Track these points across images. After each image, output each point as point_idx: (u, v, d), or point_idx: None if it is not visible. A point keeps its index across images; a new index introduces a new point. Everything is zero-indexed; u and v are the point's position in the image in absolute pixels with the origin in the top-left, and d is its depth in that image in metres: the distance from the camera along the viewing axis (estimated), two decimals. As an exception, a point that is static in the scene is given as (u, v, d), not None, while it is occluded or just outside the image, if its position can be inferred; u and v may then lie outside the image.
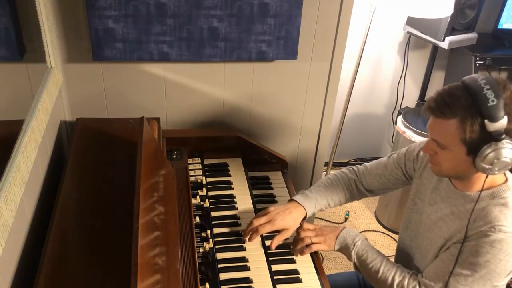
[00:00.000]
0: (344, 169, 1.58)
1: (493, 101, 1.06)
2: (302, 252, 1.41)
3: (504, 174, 1.23)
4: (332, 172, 1.63)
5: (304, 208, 1.46)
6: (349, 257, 1.40)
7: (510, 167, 1.11)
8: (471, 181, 1.22)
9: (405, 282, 1.28)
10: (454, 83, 1.16)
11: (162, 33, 1.61)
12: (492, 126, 1.07)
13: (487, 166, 1.10)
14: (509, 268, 1.17)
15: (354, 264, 1.40)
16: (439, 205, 1.31)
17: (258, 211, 1.53)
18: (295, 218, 1.44)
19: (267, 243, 1.45)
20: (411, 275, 1.30)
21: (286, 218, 1.42)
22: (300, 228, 1.45)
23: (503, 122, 1.06)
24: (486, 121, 1.07)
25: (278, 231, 1.43)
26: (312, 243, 1.41)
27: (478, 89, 1.08)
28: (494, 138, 1.08)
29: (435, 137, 1.18)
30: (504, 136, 1.07)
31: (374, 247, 1.39)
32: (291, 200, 1.50)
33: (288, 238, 1.47)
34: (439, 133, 1.16)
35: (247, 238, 1.43)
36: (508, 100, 1.07)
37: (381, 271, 1.32)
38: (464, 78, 1.14)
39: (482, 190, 1.17)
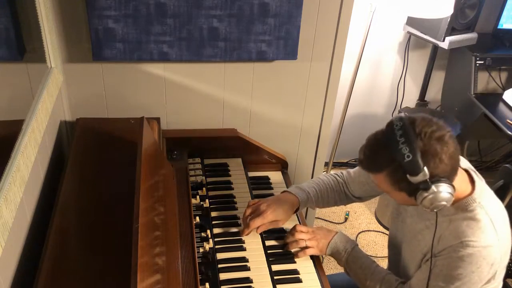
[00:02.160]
0: (332, 173, 1.59)
1: (408, 156, 1.06)
2: (296, 256, 1.42)
3: (472, 182, 1.22)
4: (332, 172, 1.62)
5: (297, 198, 1.47)
6: (340, 263, 1.43)
7: (449, 204, 1.12)
8: None
9: None
10: (379, 130, 1.16)
11: (162, 33, 1.61)
12: (415, 180, 1.08)
13: (427, 209, 1.12)
14: (484, 277, 1.17)
15: (345, 269, 1.42)
16: (415, 219, 1.33)
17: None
18: (286, 209, 1.46)
19: (267, 243, 1.45)
20: (398, 284, 1.32)
21: (277, 210, 1.44)
22: (293, 229, 1.46)
23: (424, 174, 1.07)
24: (407, 175, 1.08)
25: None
26: (307, 247, 1.42)
27: (394, 143, 1.08)
28: (422, 188, 1.09)
29: (377, 184, 1.21)
30: (431, 182, 1.08)
31: (364, 253, 1.41)
32: (284, 192, 1.51)
33: (284, 234, 1.48)
34: (378, 183, 1.20)
35: (244, 234, 1.46)
36: (427, 147, 1.07)
37: (368, 280, 1.35)
38: (387, 122, 1.14)
39: (436, 221, 1.19)
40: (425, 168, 1.07)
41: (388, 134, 1.11)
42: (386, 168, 1.12)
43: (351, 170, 1.55)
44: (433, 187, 1.08)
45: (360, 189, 1.51)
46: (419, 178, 1.08)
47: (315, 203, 1.52)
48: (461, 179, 1.19)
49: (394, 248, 1.46)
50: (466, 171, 1.25)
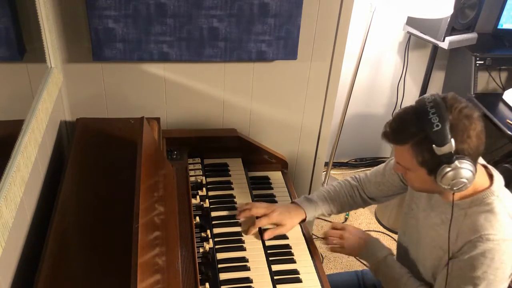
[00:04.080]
0: (348, 177, 1.60)
1: (437, 125, 1.07)
2: (330, 249, 1.45)
3: (490, 177, 1.23)
4: (332, 172, 1.63)
5: (304, 211, 1.48)
6: (372, 266, 1.41)
7: (469, 185, 1.12)
8: (449, 193, 1.21)
9: None
10: (409, 106, 1.17)
11: (162, 33, 1.61)
12: (440, 151, 1.08)
13: (446, 187, 1.12)
14: (507, 273, 1.16)
15: (374, 271, 1.41)
16: (429, 213, 1.32)
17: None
18: (292, 216, 1.48)
19: (267, 243, 1.45)
20: None
21: (283, 214, 1.47)
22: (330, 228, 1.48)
23: (450, 146, 1.07)
24: (433, 146, 1.08)
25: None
26: (336, 246, 1.44)
27: (423, 114, 1.09)
28: (445, 161, 1.09)
29: (397, 160, 1.21)
30: (455, 157, 1.08)
31: (397, 263, 1.39)
32: (292, 203, 1.52)
33: (286, 235, 1.48)
34: (399, 157, 1.20)
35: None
36: (456, 121, 1.08)
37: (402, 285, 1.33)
38: (417, 100, 1.15)
39: (453, 205, 1.18)
40: (452, 140, 1.07)
41: (419, 106, 1.12)
42: (413, 138, 1.11)
43: (368, 172, 1.57)
44: (456, 162, 1.08)
45: (376, 189, 1.52)
46: (445, 149, 1.07)
47: (326, 212, 1.53)
48: (479, 173, 1.18)
49: (404, 248, 1.46)
50: (485, 166, 1.25)
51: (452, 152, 1.08)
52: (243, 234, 1.47)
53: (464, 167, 1.09)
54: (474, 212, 1.18)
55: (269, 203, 1.54)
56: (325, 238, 1.47)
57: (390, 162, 1.50)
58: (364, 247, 1.42)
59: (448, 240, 1.19)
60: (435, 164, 1.11)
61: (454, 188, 1.12)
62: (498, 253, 1.12)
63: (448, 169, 1.09)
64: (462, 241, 1.18)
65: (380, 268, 1.38)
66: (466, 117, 1.09)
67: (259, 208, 1.49)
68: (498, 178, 1.23)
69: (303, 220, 1.51)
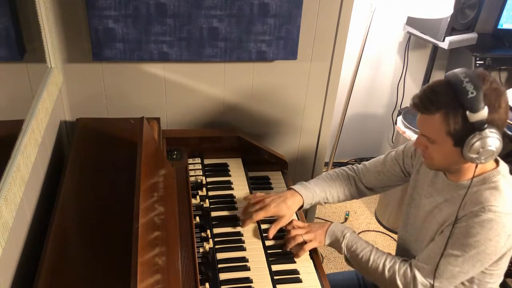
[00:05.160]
0: (344, 167, 1.60)
1: (472, 93, 1.10)
2: (297, 254, 1.42)
3: (496, 160, 1.26)
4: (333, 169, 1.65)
5: (301, 196, 1.48)
6: (340, 250, 1.42)
7: (496, 155, 1.15)
8: (463, 172, 1.25)
9: (396, 266, 1.30)
10: (438, 79, 1.19)
11: (162, 33, 1.61)
12: (474, 117, 1.10)
13: (474, 156, 1.14)
14: (499, 250, 1.18)
15: (345, 256, 1.42)
16: (434, 197, 1.33)
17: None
18: (289, 206, 1.46)
19: (267, 243, 1.45)
20: (402, 260, 1.32)
21: (280, 205, 1.45)
22: (289, 225, 1.47)
23: (484, 113, 1.10)
24: (467, 112, 1.10)
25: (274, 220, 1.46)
26: (305, 242, 1.42)
27: (458, 82, 1.12)
28: (477, 128, 1.11)
29: (423, 132, 1.22)
30: (486, 125, 1.11)
31: (362, 238, 1.41)
32: (289, 189, 1.52)
33: (284, 234, 1.48)
34: (426, 128, 1.20)
35: (245, 225, 1.47)
36: (488, 91, 1.11)
37: (371, 260, 1.34)
38: (447, 73, 1.18)
39: (473, 176, 1.20)
40: (486, 108, 1.10)
41: (452, 77, 1.14)
42: (447, 106, 1.13)
43: (366, 162, 1.58)
44: (487, 131, 1.11)
45: (375, 179, 1.53)
46: (478, 116, 1.10)
47: (322, 199, 1.53)
48: None
49: (404, 241, 1.46)
50: None
51: (484, 120, 1.10)
52: (242, 232, 1.47)
53: (494, 136, 1.11)
54: (480, 189, 1.20)
55: (263, 196, 1.51)
56: (288, 242, 1.44)
57: (391, 153, 1.52)
58: (331, 225, 1.43)
59: (458, 210, 1.20)
60: (465, 132, 1.13)
61: (482, 158, 1.14)
62: (497, 225, 1.15)
63: (479, 136, 1.11)
64: (464, 212, 1.20)
65: (348, 244, 1.39)
66: (496, 89, 1.12)
67: (255, 207, 1.47)
68: (503, 162, 1.27)
69: (301, 207, 1.51)
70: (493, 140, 1.11)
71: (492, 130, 1.11)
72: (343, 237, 1.40)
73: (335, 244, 1.42)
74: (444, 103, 1.13)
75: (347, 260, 1.42)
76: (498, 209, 1.15)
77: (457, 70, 1.15)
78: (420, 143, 1.25)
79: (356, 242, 1.39)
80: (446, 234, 1.22)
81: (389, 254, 1.36)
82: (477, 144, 1.11)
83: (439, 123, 1.15)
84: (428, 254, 1.27)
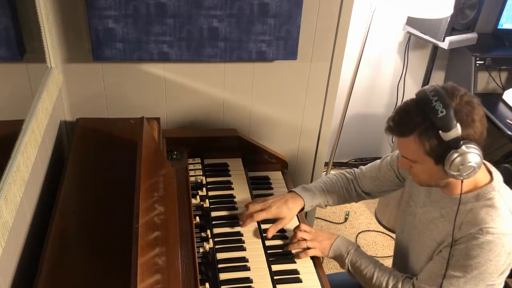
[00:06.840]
0: (343, 171, 1.61)
1: (442, 111, 1.09)
2: (297, 256, 1.43)
3: (490, 173, 1.24)
4: (332, 172, 1.64)
5: (302, 199, 1.48)
6: (343, 265, 1.42)
7: (477, 170, 1.13)
8: (454, 185, 1.23)
9: (399, 285, 1.30)
10: (410, 99, 1.18)
11: (162, 33, 1.61)
12: (447, 136, 1.09)
13: (455, 173, 1.13)
14: (500, 268, 1.17)
15: (348, 270, 1.42)
16: (428, 208, 1.33)
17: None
18: (290, 208, 1.47)
19: (267, 243, 1.45)
20: (404, 278, 1.32)
21: (281, 207, 1.46)
22: (297, 228, 1.46)
23: (457, 130, 1.09)
24: (440, 132, 1.09)
25: (275, 221, 1.46)
26: (308, 248, 1.42)
27: (427, 102, 1.11)
28: (453, 146, 1.10)
29: (403, 154, 1.22)
30: (462, 142, 1.10)
31: (367, 254, 1.41)
32: (290, 192, 1.53)
33: (286, 235, 1.48)
34: (405, 150, 1.20)
35: (242, 223, 1.48)
36: (459, 106, 1.10)
37: (375, 277, 1.34)
38: (417, 91, 1.17)
39: (461, 193, 1.19)
40: (458, 125, 1.09)
41: (420, 96, 1.13)
42: (419, 127, 1.12)
43: (363, 167, 1.58)
44: (464, 147, 1.09)
45: (371, 184, 1.53)
46: (451, 134, 1.09)
47: (323, 202, 1.54)
48: (481, 168, 1.19)
49: (402, 246, 1.46)
50: (483, 162, 1.26)
51: (459, 137, 1.09)
52: (242, 232, 1.47)
53: (472, 151, 1.10)
54: (475, 206, 1.19)
55: (265, 199, 1.51)
56: (291, 244, 1.44)
57: (387, 158, 1.51)
58: (338, 238, 1.43)
59: (453, 230, 1.19)
60: (442, 151, 1.12)
61: (464, 174, 1.13)
62: (496, 246, 1.14)
63: (456, 154, 1.10)
64: (461, 233, 1.19)
65: (352, 260, 1.39)
66: (468, 103, 1.11)
67: (256, 207, 1.48)
68: (497, 173, 1.25)
69: (301, 210, 1.51)
70: (472, 155, 1.10)
71: (470, 145, 1.10)
72: (348, 253, 1.40)
73: (339, 259, 1.43)
74: (416, 125, 1.13)
75: (351, 273, 1.42)
76: (496, 230, 1.14)
77: (426, 88, 1.14)
78: (403, 164, 1.25)
79: (360, 258, 1.39)
80: (445, 255, 1.21)
81: (393, 271, 1.35)
82: (457, 161, 1.10)
83: (416, 145, 1.15)
84: (429, 275, 1.26)
